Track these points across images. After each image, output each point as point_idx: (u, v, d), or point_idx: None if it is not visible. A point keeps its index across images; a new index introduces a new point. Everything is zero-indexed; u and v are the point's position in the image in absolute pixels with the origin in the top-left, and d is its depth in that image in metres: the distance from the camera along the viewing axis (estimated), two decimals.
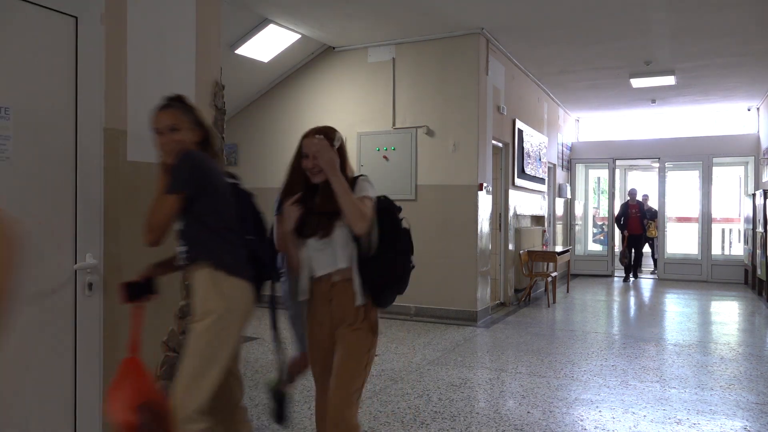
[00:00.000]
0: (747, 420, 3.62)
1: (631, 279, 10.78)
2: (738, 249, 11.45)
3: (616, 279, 11.17)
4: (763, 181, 9.79)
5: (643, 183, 13.27)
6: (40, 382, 2.25)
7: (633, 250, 10.76)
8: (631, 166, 13.05)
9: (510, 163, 7.70)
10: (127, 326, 2.53)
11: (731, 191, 11.81)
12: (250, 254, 2.25)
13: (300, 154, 2.26)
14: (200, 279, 2.15)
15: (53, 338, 2.29)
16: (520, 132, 8.01)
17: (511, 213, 7.76)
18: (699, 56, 7.47)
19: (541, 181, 9.02)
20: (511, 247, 7.82)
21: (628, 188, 11.88)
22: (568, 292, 9.24)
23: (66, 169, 2.32)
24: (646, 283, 10.64)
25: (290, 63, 7.45)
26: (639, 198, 11.11)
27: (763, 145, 10.04)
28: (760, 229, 8.68)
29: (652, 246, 11.66)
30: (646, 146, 11.47)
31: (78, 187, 2.35)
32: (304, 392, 4.04)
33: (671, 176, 11.34)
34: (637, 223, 10.72)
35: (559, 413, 3.71)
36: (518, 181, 7.90)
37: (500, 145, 7.47)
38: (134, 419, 1.96)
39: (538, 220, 9.21)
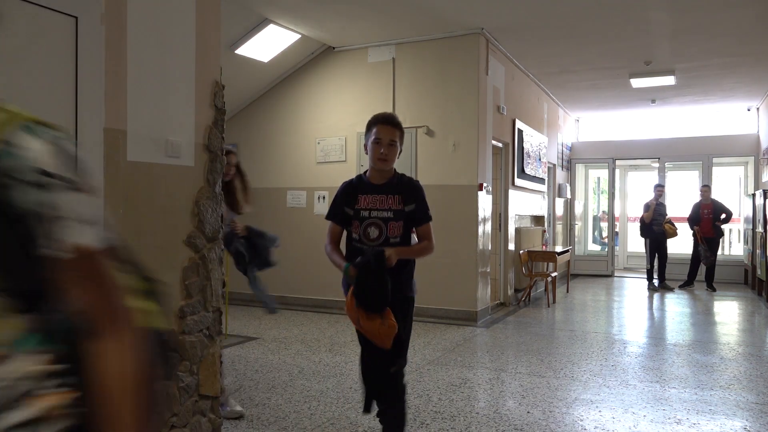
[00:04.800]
0: (747, 420, 3.62)
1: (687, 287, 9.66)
2: (738, 249, 11.46)
3: (615, 279, 11.15)
4: (763, 181, 9.79)
5: (642, 183, 13.27)
6: None
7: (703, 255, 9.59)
8: (631, 166, 13.06)
9: (510, 163, 7.70)
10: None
11: (731, 191, 11.82)
12: None
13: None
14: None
15: None
16: (520, 132, 8.01)
17: (511, 213, 7.76)
18: (699, 56, 7.47)
19: (541, 181, 9.02)
20: (511, 247, 7.82)
21: (700, 185, 10.22)
22: (568, 292, 9.24)
23: None
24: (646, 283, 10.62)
25: (290, 63, 7.45)
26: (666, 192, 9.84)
27: (763, 145, 10.04)
28: (759, 229, 8.68)
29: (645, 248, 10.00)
30: (646, 146, 11.47)
31: None
32: (303, 392, 4.04)
33: (671, 176, 11.34)
34: (710, 226, 9.45)
35: (559, 413, 3.71)
36: (518, 181, 7.90)
37: (500, 145, 7.47)
38: None
39: (538, 220, 9.22)
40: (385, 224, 2.65)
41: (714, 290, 9.45)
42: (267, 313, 3.56)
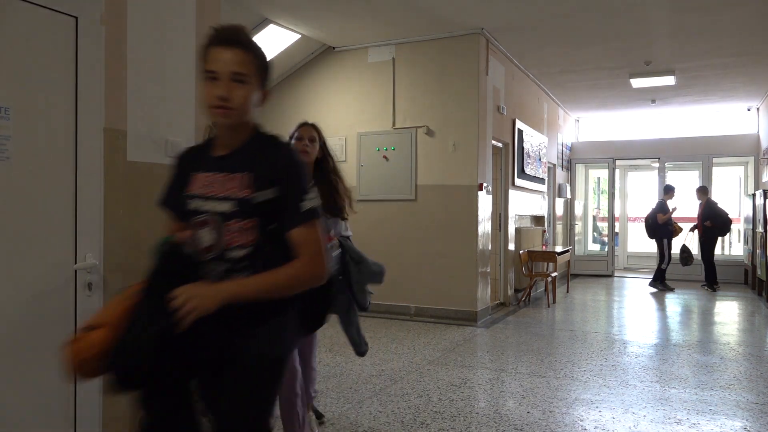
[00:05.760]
0: (747, 420, 3.62)
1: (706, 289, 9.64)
2: (738, 249, 11.45)
3: (615, 279, 11.16)
4: (763, 181, 9.79)
5: (642, 183, 13.26)
6: (40, 382, 2.25)
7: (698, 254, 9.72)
8: (631, 166, 13.06)
9: (510, 163, 7.70)
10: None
11: (731, 191, 11.82)
12: None
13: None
14: None
15: (53, 338, 2.29)
16: (520, 132, 8.01)
17: (511, 213, 7.76)
18: (699, 56, 7.47)
19: (541, 181, 9.02)
20: (511, 247, 7.82)
21: (699, 186, 10.24)
22: (568, 292, 9.24)
23: (66, 169, 2.32)
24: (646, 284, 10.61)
25: (290, 63, 7.45)
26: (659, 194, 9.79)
27: (763, 145, 10.04)
28: (760, 229, 8.68)
29: (663, 248, 9.63)
30: (646, 146, 11.47)
31: (78, 187, 2.35)
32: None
33: (671, 176, 11.34)
34: (700, 227, 9.62)
35: (559, 413, 3.71)
36: (518, 181, 7.90)
37: (500, 145, 7.47)
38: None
39: (538, 220, 9.22)
40: (218, 225, 1.55)
41: (713, 290, 9.45)
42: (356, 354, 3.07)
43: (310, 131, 2.99)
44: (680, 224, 9.63)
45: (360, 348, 3.01)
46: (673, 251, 9.67)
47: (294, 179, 1.56)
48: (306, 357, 3.05)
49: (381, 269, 2.96)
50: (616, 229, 12.45)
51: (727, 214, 9.64)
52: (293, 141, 2.93)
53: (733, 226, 11.37)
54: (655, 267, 9.67)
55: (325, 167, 2.99)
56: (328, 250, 1.58)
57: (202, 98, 1.56)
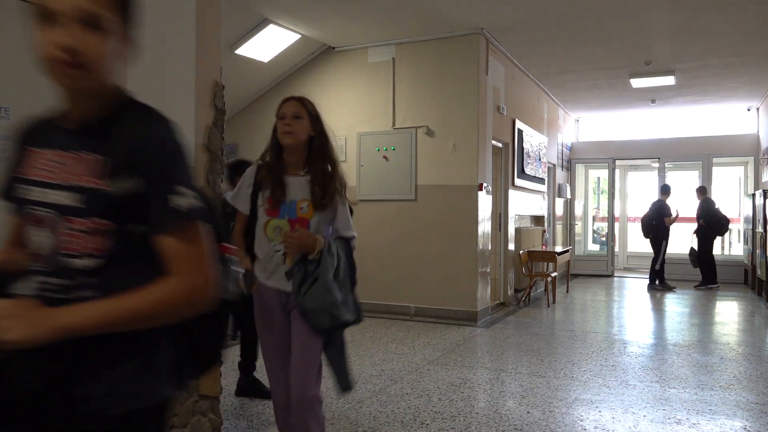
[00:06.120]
0: (747, 420, 3.62)
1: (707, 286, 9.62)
2: (738, 249, 11.45)
3: (615, 279, 11.16)
4: (763, 181, 9.79)
5: (642, 183, 13.26)
6: None
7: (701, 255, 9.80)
8: (631, 166, 13.06)
9: (510, 163, 7.70)
10: None
11: (731, 191, 11.82)
12: None
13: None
14: None
15: None
16: (520, 132, 8.01)
17: (511, 213, 7.76)
18: (699, 56, 7.47)
19: (541, 181, 9.02)
20: (511, 247, 7.82)
21: (699, 185, 10.36)
22: (567, 292, 9.24)
23: None
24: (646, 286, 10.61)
25: (290, 63, 7.45)
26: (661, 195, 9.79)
27: (763, 145, 10.05)
28: (759, 229, 8.68)
29: (660, 249, 9.56)
30: (646, 146, 11.47)
31: None
32: None
33: (671, 176, 11.34)
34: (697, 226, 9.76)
35: (559, 413, 3.71)
36: (518, 181, 7.90)
37: (500, 145, 7.47)
38: None
39: (538, 220, 9.22)
40: (56, 224, 1.10)
41: (703, 288, 9.51)
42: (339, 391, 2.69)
43: (293, 106, 2.38)
44: (681, 225, 9.74)
45: (342, 380, 2.53)
46: (673, 253, 9.72)
47: (163, 166, 1.10)
48: (297, 369, 2.50)
49: (338, 313, 2.44)
50: (615, 230, 12.44)
51: (723, 214, 9.68)
52: (277, 120, 2.42)
53: (732, 226, 11.41)
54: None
55: (314, 146, 2.40)
56: (215, 264, 1.15)
57: (35, 47, 1.08)
